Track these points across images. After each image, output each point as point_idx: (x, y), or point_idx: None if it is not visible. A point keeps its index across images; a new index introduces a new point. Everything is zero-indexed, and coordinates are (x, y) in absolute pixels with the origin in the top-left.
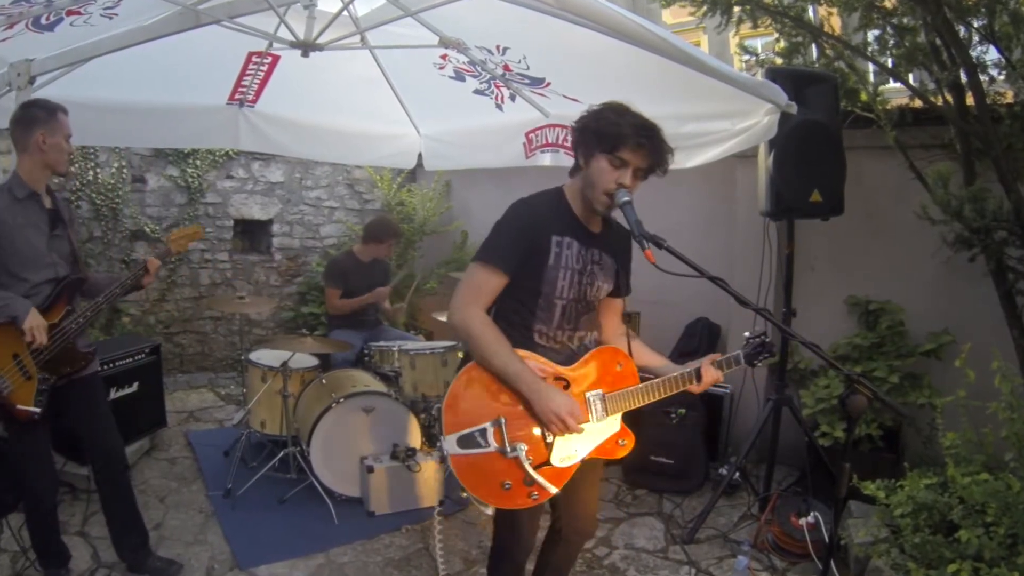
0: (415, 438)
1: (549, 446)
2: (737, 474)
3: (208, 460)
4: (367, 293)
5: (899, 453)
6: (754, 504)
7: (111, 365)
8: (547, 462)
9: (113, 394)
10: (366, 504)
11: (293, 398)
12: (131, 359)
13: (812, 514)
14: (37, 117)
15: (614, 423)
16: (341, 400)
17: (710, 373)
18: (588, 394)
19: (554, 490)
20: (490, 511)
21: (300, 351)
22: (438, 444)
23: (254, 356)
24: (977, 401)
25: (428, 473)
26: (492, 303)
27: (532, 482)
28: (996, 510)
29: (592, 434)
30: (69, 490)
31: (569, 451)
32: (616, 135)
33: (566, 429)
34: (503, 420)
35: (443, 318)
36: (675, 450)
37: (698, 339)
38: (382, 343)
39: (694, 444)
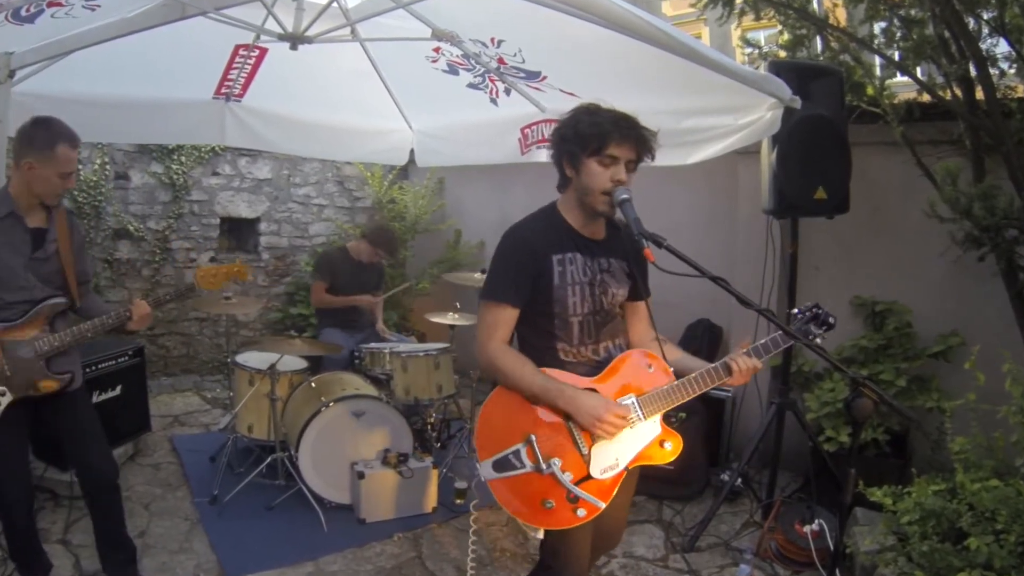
0: (407, 443)
1: (586, 458)
2: (739, 480)
3: (194, 466)
4: (355, 292)
5: (906, 458)
6: (756, 511)
7: (93, 368)
8: (588, 476)
9: (96, 398)
10: (356, 511)
11: (281, 402)
12: (114, 361)
13: (816, 521)
14: (33, 142)
15: (654, 427)
16: (331, 404)
17: (741, 363)
18: (620, 400)
19: (601, 505)
20: (540, 535)
21: (288, 353)
22: (476, 470)
23: (241, 358)
24: (987, 405)
25: (421, 479)
26: (511, 332)
27: (576, 498)
28: (1006, 517)
29: (632, 441)
30: (51, 496)
31: (609, 461)
32: (599, 134)
33: (612, 428)
34: (534, 437)
35: (436, 319)
36: None
37: (699, 340)
38: (373, 345)
39: (695, 449)
